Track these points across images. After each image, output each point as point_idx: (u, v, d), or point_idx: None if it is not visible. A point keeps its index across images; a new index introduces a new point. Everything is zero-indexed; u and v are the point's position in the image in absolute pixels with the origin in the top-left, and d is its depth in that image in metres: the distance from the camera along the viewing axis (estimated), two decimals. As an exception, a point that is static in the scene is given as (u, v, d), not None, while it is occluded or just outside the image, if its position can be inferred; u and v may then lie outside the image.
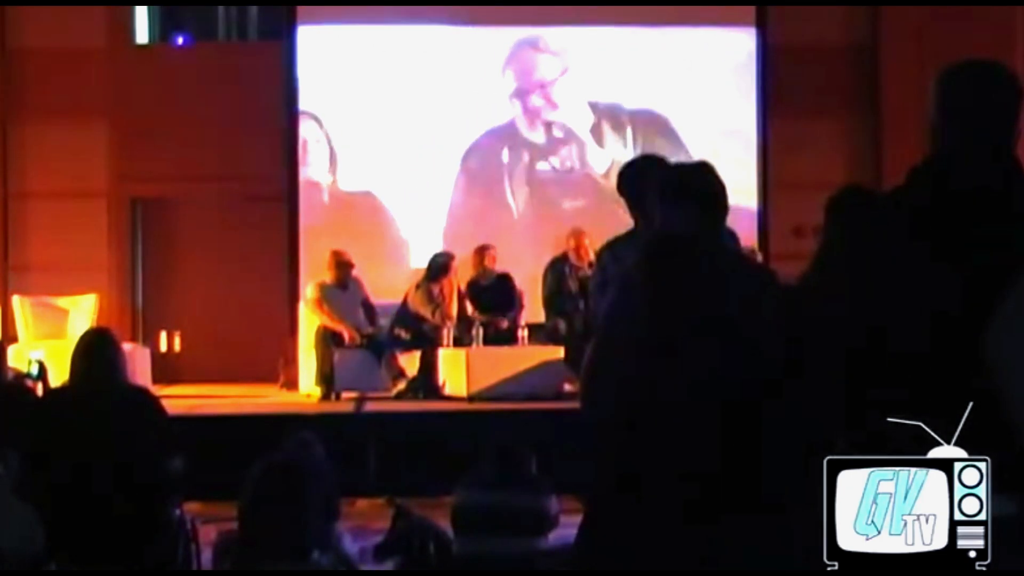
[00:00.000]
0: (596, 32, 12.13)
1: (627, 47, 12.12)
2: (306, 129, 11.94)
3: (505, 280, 11.10)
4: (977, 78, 2.81)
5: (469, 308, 10.90)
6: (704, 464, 3.27)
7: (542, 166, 12.17)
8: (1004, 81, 2.80)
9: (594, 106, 12.14)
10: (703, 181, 3.63)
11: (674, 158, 6.07)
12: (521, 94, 12.12)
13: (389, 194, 12.06)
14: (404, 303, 10.88)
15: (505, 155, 12.14)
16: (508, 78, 12.12)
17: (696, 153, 10.85)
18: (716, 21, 12.17)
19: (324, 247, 11.38)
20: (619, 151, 11.93)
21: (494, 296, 10.97)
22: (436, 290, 10.79)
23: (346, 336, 10.59)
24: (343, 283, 10.84)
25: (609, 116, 12.14)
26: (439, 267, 10.85)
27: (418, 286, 10.86)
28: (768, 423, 3.30)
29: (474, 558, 5.49)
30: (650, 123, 12.07)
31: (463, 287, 11.01)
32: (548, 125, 12.16)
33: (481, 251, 11.14)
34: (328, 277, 10.84)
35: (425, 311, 10.70)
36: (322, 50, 11.99)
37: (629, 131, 12.10)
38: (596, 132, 12.17)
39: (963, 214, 2.67)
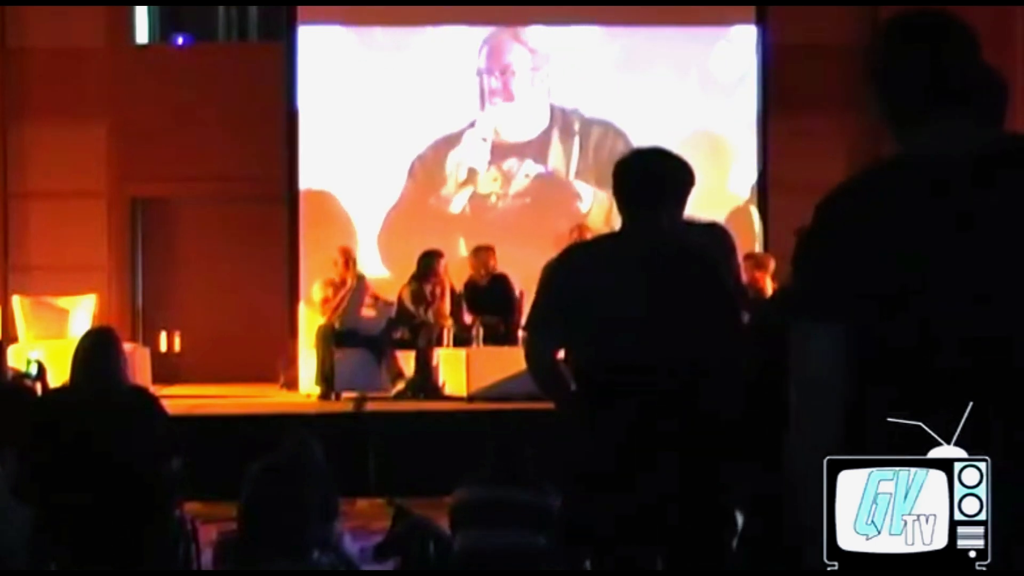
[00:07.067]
0: (595, 32, 12.14)
1: (626, 46, 12.11)
2: (306, 129, 11.93)
3: (501, 281, 11.05)
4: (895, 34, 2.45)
5: (465, 309, 10.90)
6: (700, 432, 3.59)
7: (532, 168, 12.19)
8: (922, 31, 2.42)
9: (593, 104, 12.15)
10: (647, 175, 3.89)
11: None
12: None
13: (389, 194, 12.05)
14: (398, 302, 10.88)
15: (496, 155, 12.16)
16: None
17: (695, 153, 10.80)
18: (716, 20, 12.16)
19: (324, 247, 11.36)
20: (618, 150, 11.95)
21: (490, 298, 10.94)
22: (427, 289, 10.78)
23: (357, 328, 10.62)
24: (350, 281, 10.84)
25: (608, 114, 12.15)
26: (426, 265, 10.83)
27: (408, 284, 10.86)
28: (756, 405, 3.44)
29: (472, 552, 5.48)
30: (646, 122, 12.07)
31: (457, 287, 11.00)
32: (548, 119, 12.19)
33: (479, 252, 11.11)
34: (335, 275, 10.84)
35: (415, 309, 10.70)
36: (322, 50, 11.98)
37: (626, 131, 12.09)
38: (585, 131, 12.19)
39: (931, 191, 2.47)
